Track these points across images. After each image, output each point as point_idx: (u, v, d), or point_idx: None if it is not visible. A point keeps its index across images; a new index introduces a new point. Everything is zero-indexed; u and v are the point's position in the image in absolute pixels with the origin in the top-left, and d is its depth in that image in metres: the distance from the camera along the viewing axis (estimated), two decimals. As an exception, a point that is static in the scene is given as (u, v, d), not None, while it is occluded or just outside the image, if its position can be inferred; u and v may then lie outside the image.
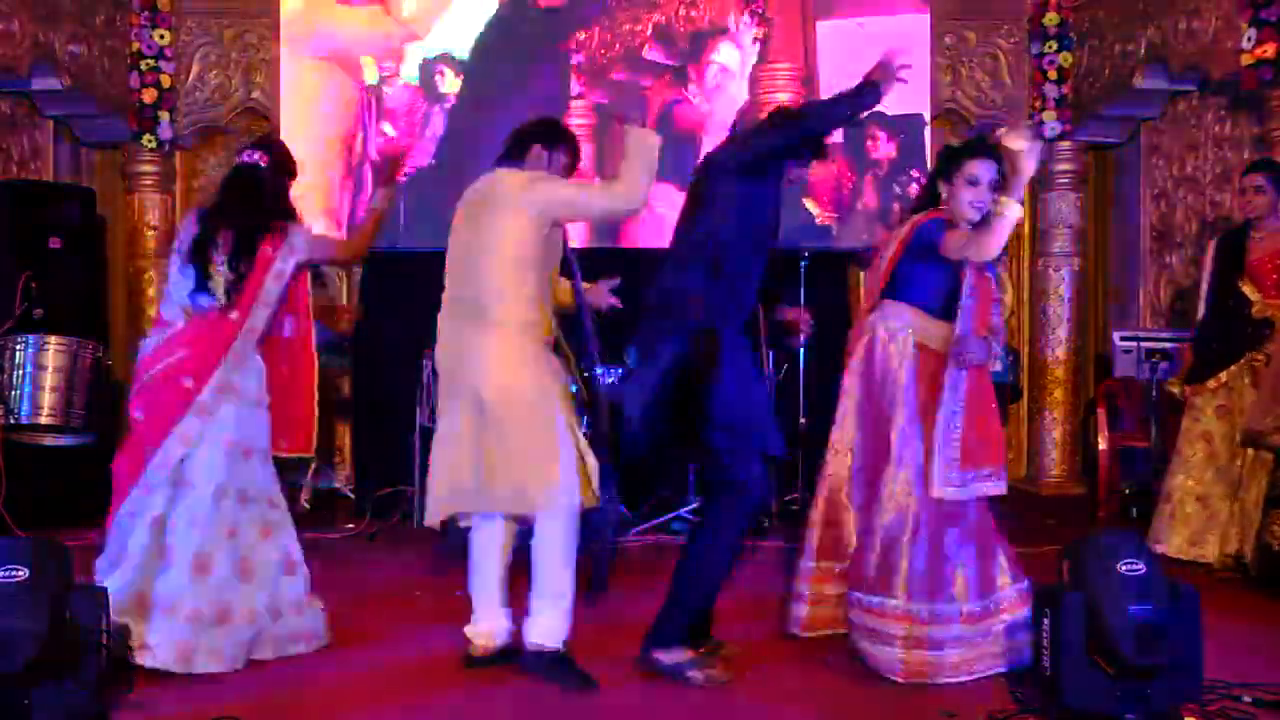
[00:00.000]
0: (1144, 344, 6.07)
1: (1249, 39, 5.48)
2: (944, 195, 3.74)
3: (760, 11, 6.93)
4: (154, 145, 7.01)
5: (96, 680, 3.18)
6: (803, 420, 6.18)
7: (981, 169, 3.68)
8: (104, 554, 3.75)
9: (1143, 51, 6.50)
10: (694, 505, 5.82)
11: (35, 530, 4.97)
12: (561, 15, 6.93)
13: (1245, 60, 5.52)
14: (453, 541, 4.00)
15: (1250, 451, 4.95)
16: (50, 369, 5.74)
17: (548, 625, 3.55)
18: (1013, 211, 3.44)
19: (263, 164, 3.85)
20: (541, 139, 3.71)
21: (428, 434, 5.85)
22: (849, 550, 3.79)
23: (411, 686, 3.63)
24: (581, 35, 6.93)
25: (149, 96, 6.93)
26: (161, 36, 6.94)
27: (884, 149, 6.93)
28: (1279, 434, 4.68)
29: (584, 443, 3.63)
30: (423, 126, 6.94)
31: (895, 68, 3.57)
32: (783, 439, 3.72)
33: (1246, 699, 3.32)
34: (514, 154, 3.71)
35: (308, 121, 6.82)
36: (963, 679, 3.51)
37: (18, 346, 5.73)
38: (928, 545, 3.59)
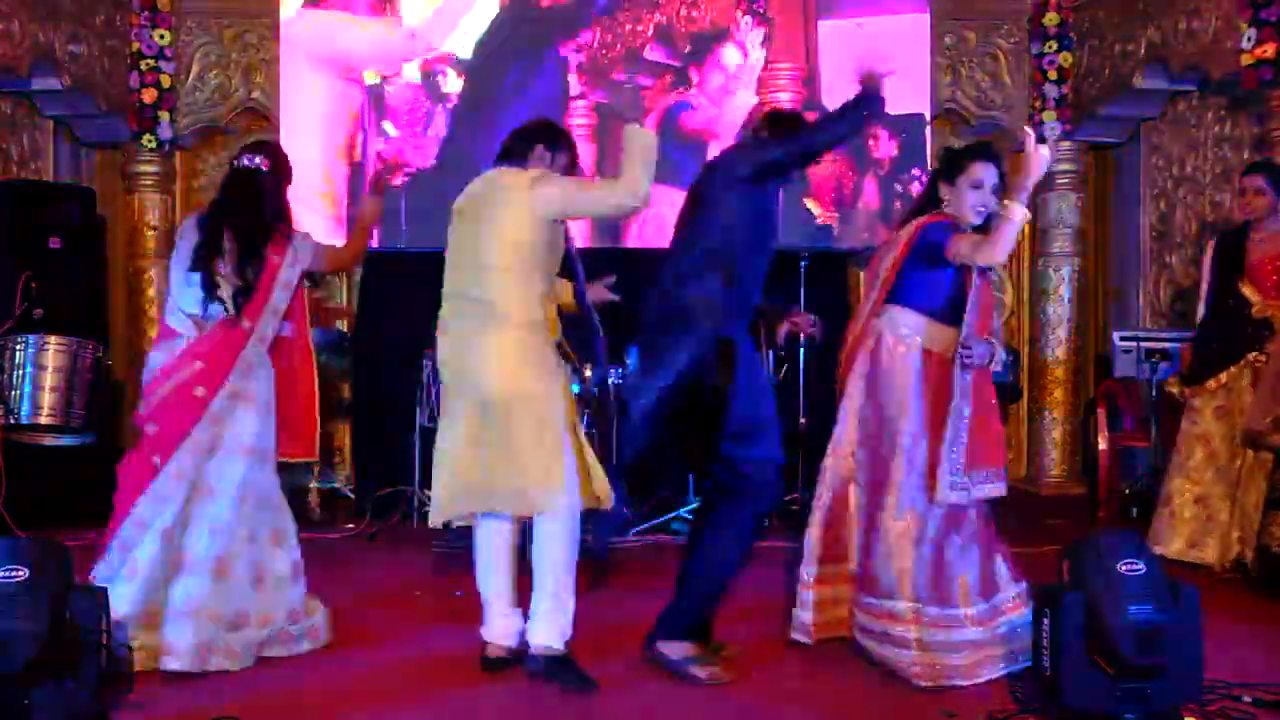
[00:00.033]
0: (1144, 344, 6.07)
1: (1249, 39, 5.48)
2: (945, 197, 3.74)
3: (761, 11, 6.93)
4: (154, 145, 7.01)
5: (96, 680, 3.18)
6: (803, 420, 6.18)
7: (985, 172, 3.69)
8: (103, 562, 3.71)
9: (1143, 51, 6.50)
10: (694, 505, 5.82)
11: (35, 530, 4.97)
12: (563, 15, 6.92)
13: (1245, 60, 5.52)
14: (454, 544, 4.00)
15: (1249, 453, 4.95)
16: (50, 369, 5.73)
17: (549, 627, 3.55)
18: (1020, 217, 3.45)
19: (264, 168, 3.86)
20: (544, 139, 3.72)
21: (428, 434, 5.87)
22: (849, 551, 3.78)
23: (411, 686, 3.63)
24: (583, 35, 6.93)
25: (149, 96, 6.93)
26: (161, 36, 6.94)
27: (885, 148, 6.92)
28: (1279, 434, 4.68)
29: (586, 442, 3.64)
30: (425, 126, 6.94)
31: (880, 73, 3.60)
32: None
33: (1246, 699, 3.32)
34: (516, 153, 3.70)
35: (309, 122, 6.81)
36: (968, 682, 3.51)
37: (18, 346, 5.73)
38: (935, 549, 3.60)
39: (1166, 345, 6.02)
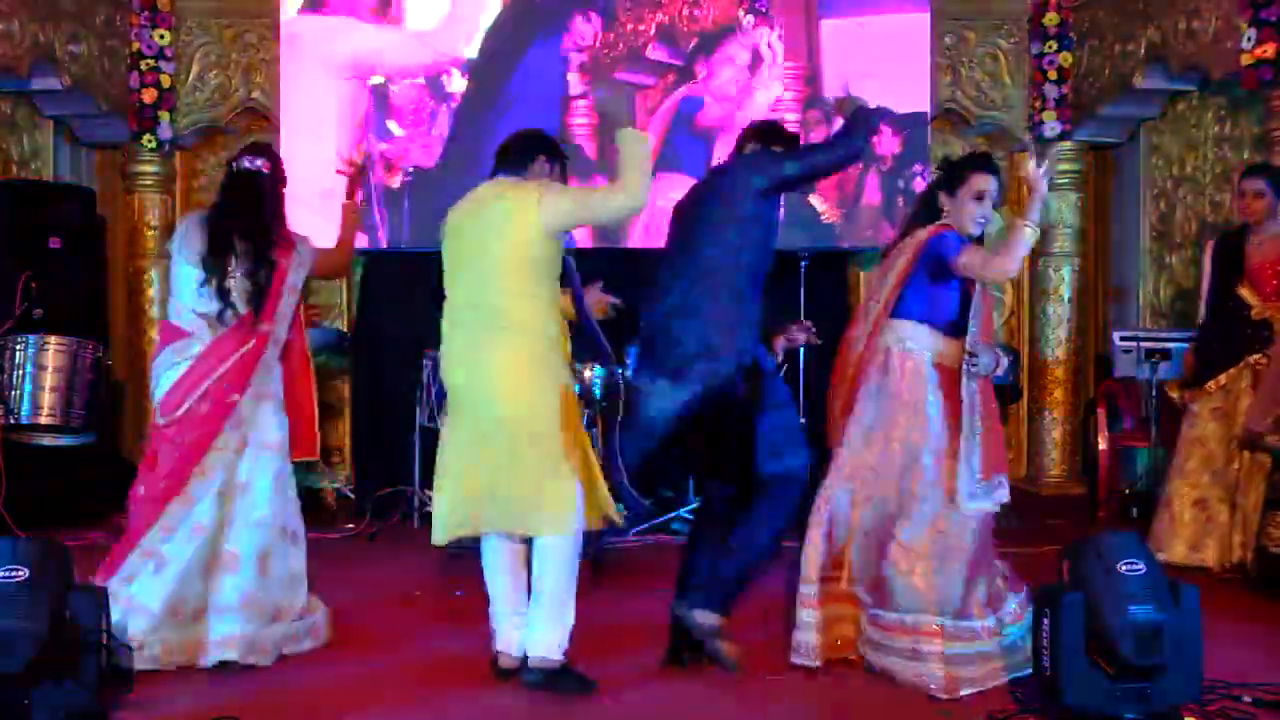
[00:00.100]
0: (1144, 344, 6.07)
1: (1249, 39, 5.48)
2: (945, 208, 3.74)
3: (764, 11, 6.92)
4: (154, 145, 7.00)
5: (96, 680, 3.19)
6: (802, 420, 6.17)
7: (988, 183, 3.72)
8: (126, 564, 3.71)
9: (1143, 51, 6.50)
10: (694, 505, 5.82)
11: (35, 530, 4.97)
12: (564, 14, 6.91)
13: (1245, 60, 5.52)
14: (454, 544, 3.98)
15: (1247, 455, 4.95)
16: (50, 369, 5.74)
17: (547, 639, 3.53)
18: (1031, 235, 3.50)
19: (264, 171, 3.89)
20: (546, 150, 3.71)
21: (428, 434, 5.88)
22: (851, 570, 3.71)
23: (412, 686, 3.63)
24: (584, 35, 6.91)
25: (149, 96, 6.92)
26: (161, 36, 6.94)
27: (888, 145, 6.92)
28: (1278, 435, 4.68)
29: (595, 460, 3.60)
30: (429, 126, 6.93)
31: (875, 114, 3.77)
32: None
33: (1246, 699, 3.32)
34: (516, 163, 3.68)
35: (315, 122, 6.79)
36: (975, 690, 3.50)
37: (18, 346, 5.73)
38: (957, 561, 3.59)
39: (1167, 345, 6.02)
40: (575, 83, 6.89)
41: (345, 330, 7.11)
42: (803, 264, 6.21)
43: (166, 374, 3.78)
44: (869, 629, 3.64)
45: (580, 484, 3.50)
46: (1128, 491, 6.38)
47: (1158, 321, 6.94)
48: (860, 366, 3.77)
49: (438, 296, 3.71)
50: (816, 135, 6.80)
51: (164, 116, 6.97)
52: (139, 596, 3.65)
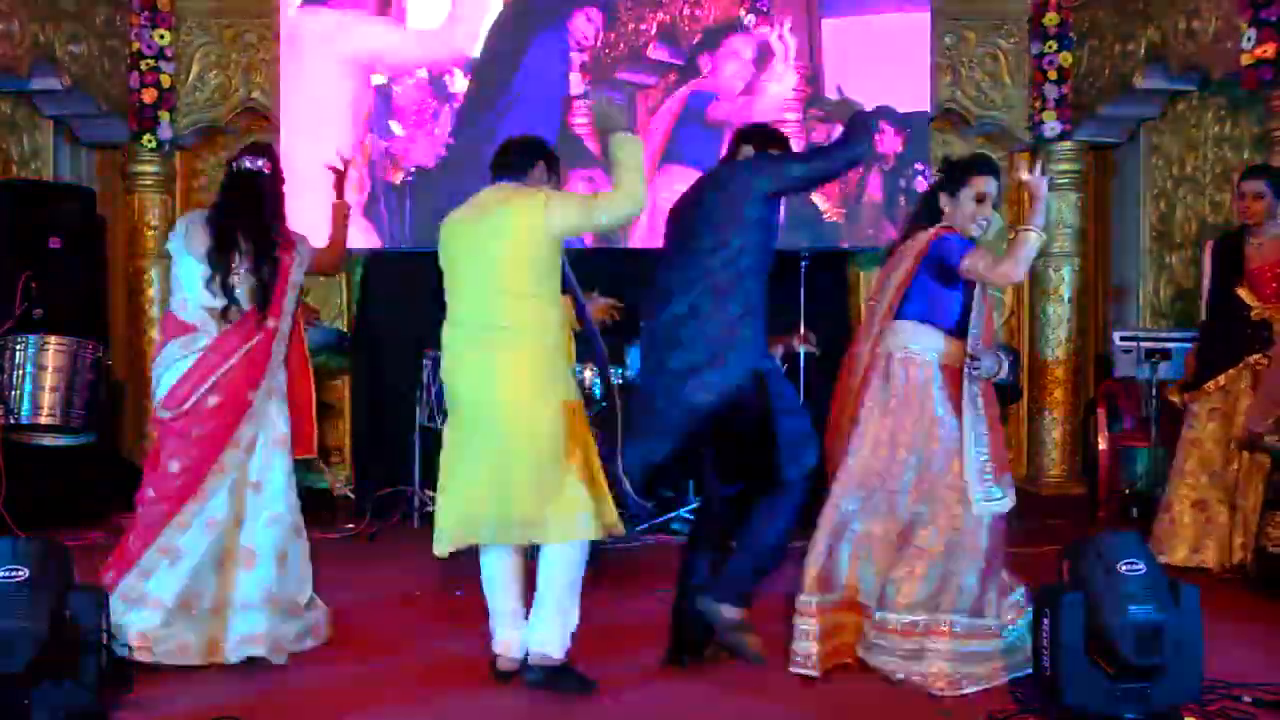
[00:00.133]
0: (1144, 344, 6.07)
1: (1249, 39, 5.48)
2: (945, 209, 3.74)
3: (765, 10, 6.91)
4: (154, 145, 7.00)
5: (96, 680, 3.19)
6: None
7: (990, 185, 3.72)
8: (136, 569, 3.73)
9: (1143, 51, 6.50)
10: (694, 505, 5.82)
11: (35, 530, 4.97)
12: (565, 13, 6.90)
13: (1245, 60, 5.52)
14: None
15: (1246, 456, 4.95)
16: (50, 369, 5.74)
17: (549, 637, 3.54)
18: (1036, 240, 3.52)
19: (265, 171, 3.92)
20: (545, 157, 3.72)
21: (428, 434, 5.88)
22: (854, 578, 3.70)
23: (412, 686, 3.64)
24: (586, 35, 6.91)
25: (149, 96, 6.92)
26: (161, 36, 6.94)
27: (890, 143, 6.91)
28: (1277, 436, 4.68)
29: (598, 465, 3.59)
30: (431, 125, 6.92)
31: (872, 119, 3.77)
32: None
33: (1246, 699, 3.32)
34: (516, 168, 3.68)
35: (312, 122, 6.78)
36: (978, 689, 3.50)
37: (18, 346, 5.74)
38: (970, 562, 3.59)
39: (1167, 345, 6.02)
40: (576, 82, 6.88)
41: (345, 330, 7.11)
42: (803, 264, 6.20)
43: (173, 368, 3.79)
44: (871, 632, 3.63)
45: (586, 491, 3.49)
46: (1128, 491, 6.38)
47: (1158, 321, 6.94)
48: (864, 374, 3.76)
49: (438, 296, 3.71)
50: (817, 135, 6.80)
51: (164, 116, 6.97)
52: (155, 591, 3.70)
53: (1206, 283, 5.31)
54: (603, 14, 6.87)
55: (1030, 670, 3.47)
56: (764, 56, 6.90)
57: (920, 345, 3.69)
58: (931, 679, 3.49)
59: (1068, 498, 7.04)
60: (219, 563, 3.76)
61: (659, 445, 3.74)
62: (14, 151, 6.71)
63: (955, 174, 3.77)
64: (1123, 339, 6.23)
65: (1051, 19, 7.04)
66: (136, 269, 7.19)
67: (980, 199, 3.70)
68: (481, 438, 3.52)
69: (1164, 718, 3.15)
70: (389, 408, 6.84)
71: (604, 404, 5.09)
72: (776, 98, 6.85)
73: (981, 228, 3.72)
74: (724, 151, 4.08)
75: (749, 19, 6.90)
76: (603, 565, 4.92)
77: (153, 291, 7.13)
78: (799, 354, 6.09)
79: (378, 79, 6.89)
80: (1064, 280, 7.31)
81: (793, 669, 3.61)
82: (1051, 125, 7.07)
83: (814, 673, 3.59)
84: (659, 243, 3.98)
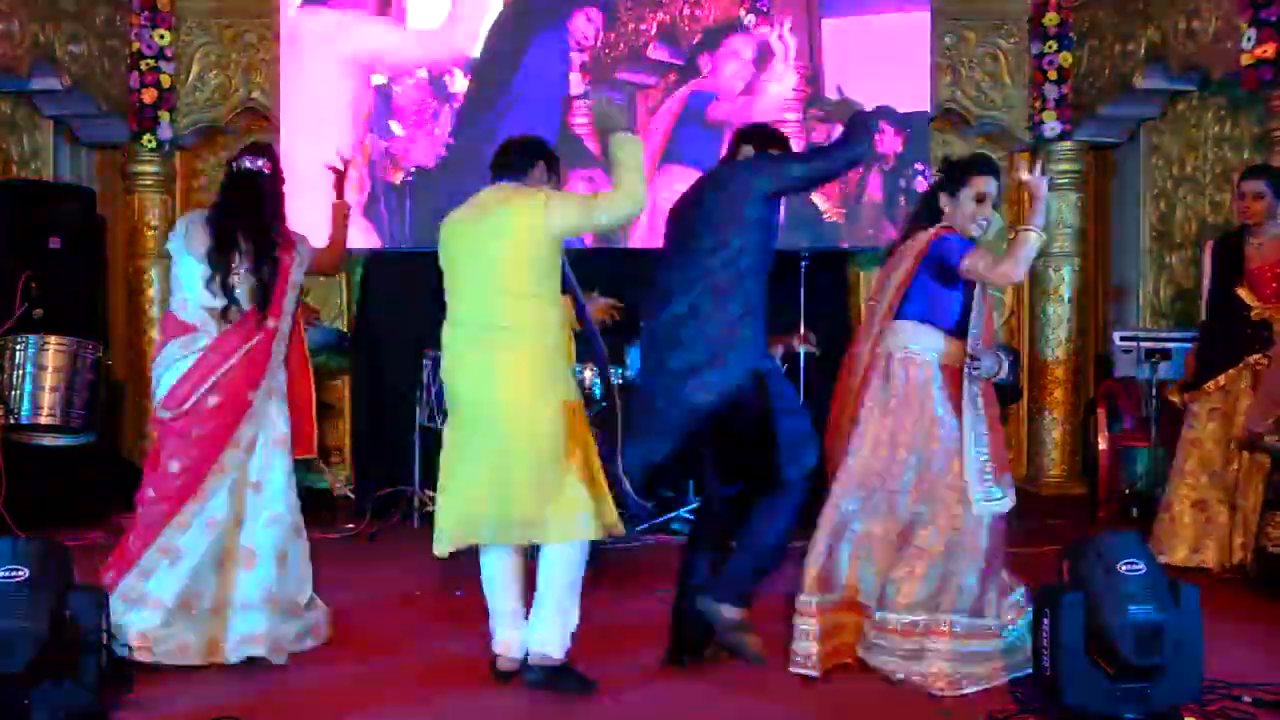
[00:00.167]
0: (1144, 344, 6.07)
1: (1249, 39, 5.48)
2: (945, 209, 3.74)
3: (765, 10, 6.91)
4: (154, 145, 7.00)
5: (96, 680, 3.19)
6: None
7: (990, 185, 3.73)
8: (135, 569, 3.73)
9: (1143, 51, 6.50)
10: (694, 505, 5.82)
11: (35, 530, 4.97)
12: (565, 13, 6.90)
13: (1245, 60, 5.52)
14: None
15: (1246, 456, 4.95)
16: (50, 369, 5.75)
17: (550, 637, 3.54)
18: (1036, 240, 3.53)
19: (265, 171, 3.92)
20: (545, 157, 3.73)
21: (428, 434, 5.88)
22: (854, 578, 3.70)
23: (412, 687, 3.64)
24: (586, 35, 6.91)
25: (149, 96, 6.92)
26: (161, 36, 6.94)
27: (890, 143, 6.91)
28: (1278, 436, 4.68)
29: (598, 465, 3.59)
30: (431, 126, 6.92)
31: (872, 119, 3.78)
32: None
33: (1246, 699, 3.32)
34: (516, 168, 3.68)
35: (313, 122, 6.78)
36: (979, 689, 3.51)
37: (18, 346, 5.74)
38: (971, 562, 3.59)
39: (1167, 345, 6.02)
40: (576, 82, 6.88)
41: (345, 330, 7.11)
42: (803, 264, 6.20)
43: (173, 368, 3.79)
44: (871, 632, 3.63)
45: (586, 491, 3.49)
46: (1128, 491, 6.38)
47: (1158, 321, 6.94)
48: (864, 374, 3.76)
49: (438, 296, 3.71)
50: (817, 135, 6.80)
51: (164, 116, 6.97)
52: (155, 591, 3.70)
53: (1206, 283, 5.31)
54: (603, 14, 6.86)
55: (1030, 670, 3.47)
56: (764, 56, 6.89)
57: (920, 345, 3.69)
58: (932, 679, 3.49)
59: (1068, 498, 7.04)
60: (219, 563, 3.76)
61: (659, 445, 3.74)
62: (14, 151, 6.71)
63: (955, 174, 3.77)
64: (1123, 339, 6.23)
65: (1051, 19, 7.04)
66: (136, 269, 7.19)
67: (980, 199, 3.71)
68: (481, 438, 3.52)
69: (1164, 718, 3.15)
70: (389, 408, 6.83)
71: (604, 404, 5.09)
72: (776, 98, 6.85)
73: (981, 228, 3.72)
74: (724, 152, 4.08)
75: (749, 19, 6.89)
76: (603, 565, 4.91)
77: (153, 291, 7.13)
78: (799, 354, 6.10)
79: (377, 79, 6.89)
80: (1064, 280, 7.31)
81: (792, 669, 3.61)
82: (1051, 125, 7.07)
83: (814, 673, 3.58)
84: (659, 243, 3.98)
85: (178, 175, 7.31)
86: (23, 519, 5.38)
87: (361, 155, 6.77)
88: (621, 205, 3.48)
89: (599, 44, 6.88)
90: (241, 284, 3.80)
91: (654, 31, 6.91)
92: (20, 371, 5.71)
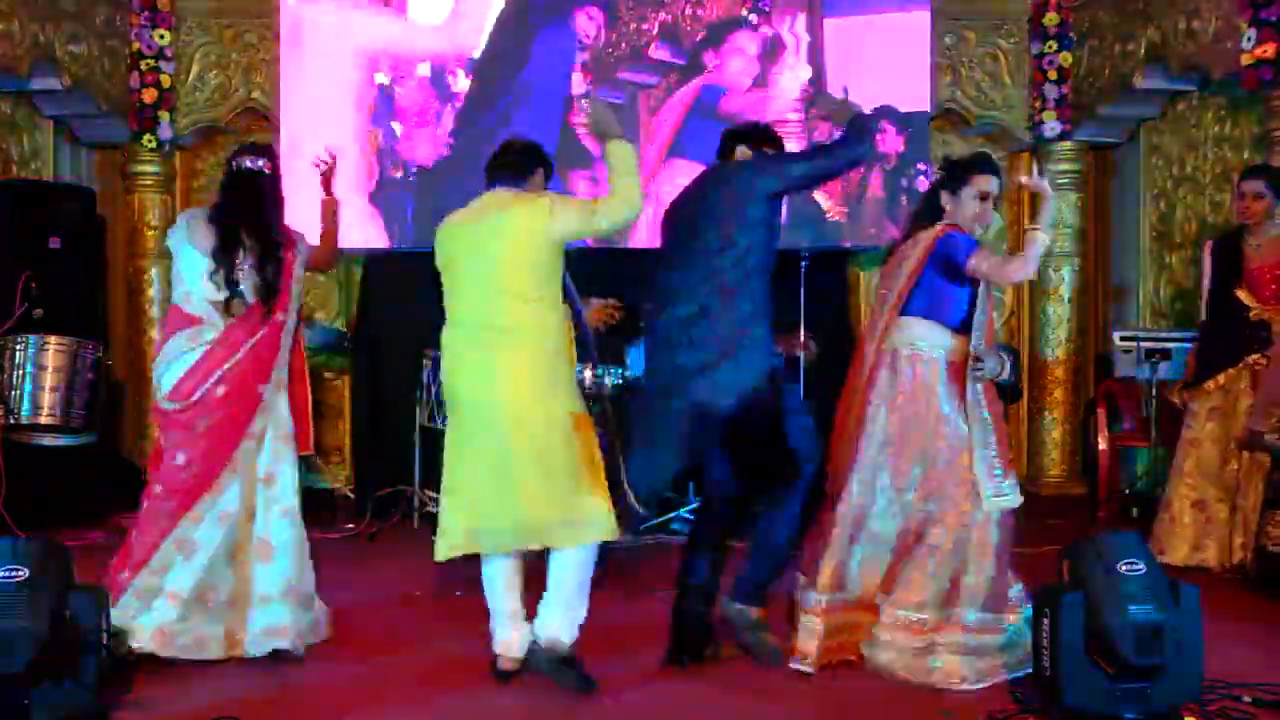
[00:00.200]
0: (1144, 344, 6.07)
1: (1249, 39, 5.48)
2: (947, 207, 3.75)
3: (766, 10, 6.91)
4: (154, 145, 7.00)
5: (96, 680, 3.19)
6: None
7: (992, 184, 3.74)
8: (149, 566, 3.73)
9: (1143, 51, 6.49)
10: (693, 505, 5.82)
11: (35, 530, 4.97)
12: (567, 12, 6.90)
13: (1245, 60, 5.52)
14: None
15: (1246, 455, 4.95)
16: (50, 369, 5.74)
17: (560, 625, 3.57)
18: (1045, 238, 3.57)
19: (266, 171, 3.95)
20: (543, 163, 3.76)
21: (428, 434, 5.88)
22: (852, 581, 3.70)
23: (412, 687, 3.64)
24: (588, 33, 6.90)
25: (149, 96, 6.92)
26: (161, 36, 6.94)
27: (892, 143, 6.90)
28: (1278, 435, 4.68)
29: (602, 468, 3.62)
30: (432, 126, 6.91)
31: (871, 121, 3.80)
32: None
33: (1246, 699, 3.32)
34: (516, 172, 3.70)
35: (313, 121, 6.76)
36: (986, 684, 3.52)
37: (18, 346, 5.73)
38: (985, 558, 3.60)
39: (1167, 345, 6.02)
40: (578, 82, 6.88)
41: (345, 330, 7.10)
42: (803, 264, 6.20)
43: (180, 360, 3.79)
44: (882, 630, 3.62)
45: (597, 495, 3.53)
46: (1128, 491, 6.38)
47: (1158, 321, 6.94)
48: (869, 373, 3.76)
49: (438, 297, 3.71)
50: (820, 134, 6.79)
51: (164, 116, 6.97)
52: (171, 585, 3.72)
53: (1206, 283, 5.31)
54: (604, 13, 6.86)
55: (1028, 669, 3.47)
56: (771, 51, 6.87)
57: (927, 342, 3.69)
58: (941, 676, 3.50)
59: (1068, 498, 7.04)
60: (232, 555, 3.78)
61: (669, 461, 3.72)
62: (14, 151, 6.71)
63: (957, 173, 3.78)
64: (1123, 339, 6.23)
65: (1051, 19, 7.03)
66: (136, 269, 7.19)
67: (983, 197, 3.72)
68: (484, 440, 3.53)
69: (1164, 718, 3.15)
70: (389, 408, 6.83)
71: (597, 407, 5.10)
72: (788, 92, 6.83)
73: (983, 225, 3.74)
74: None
75: (751, 19, 6.89)
76: (603, 565, 4.91)
77: (153, 291, 7.12)
78: (799, 357, 6.10)
79: (380, 78, 6.87)
80: (1064, 280, 7.31)
81: (792, 665, 3.63)
82: (1051, 125, 7.07)
83: (810, 670, 3.60)
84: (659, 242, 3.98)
85: (178, 175, 7.31)
86: (23, 519, 5.37)
87: (370, 145, 6.78)
88: (620, 211, 3.52)
89: (600, 43, 6.88)
90: (245, 280, 3.82)
91: (656, 31, 6.90)
92: (20, 371, 5.71)
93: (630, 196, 3.51)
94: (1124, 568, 3.18)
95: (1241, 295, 5.04)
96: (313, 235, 4.16)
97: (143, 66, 6.90)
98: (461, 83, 6.87)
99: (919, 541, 3.63)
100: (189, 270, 3.84)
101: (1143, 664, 3.09)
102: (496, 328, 3.52)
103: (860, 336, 3.95)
